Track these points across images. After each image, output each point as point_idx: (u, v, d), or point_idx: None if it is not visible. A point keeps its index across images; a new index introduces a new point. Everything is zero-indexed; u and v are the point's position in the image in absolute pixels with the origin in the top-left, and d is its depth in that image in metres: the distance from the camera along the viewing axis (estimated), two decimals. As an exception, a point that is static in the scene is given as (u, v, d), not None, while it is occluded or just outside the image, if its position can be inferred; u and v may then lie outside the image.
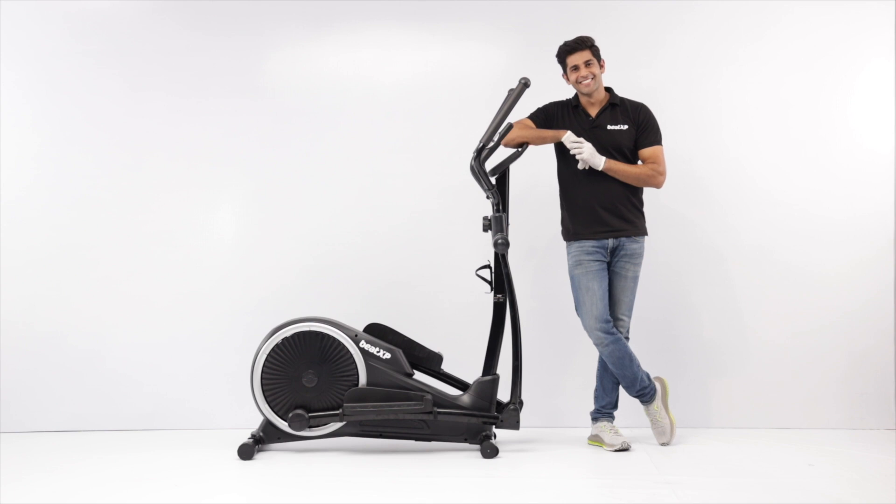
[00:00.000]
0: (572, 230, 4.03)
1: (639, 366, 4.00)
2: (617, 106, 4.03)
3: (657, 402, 4.05)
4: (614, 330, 3.95)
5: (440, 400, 3.90)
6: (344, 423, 3.89)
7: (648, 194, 4.12)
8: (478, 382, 3.93)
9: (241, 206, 4.71)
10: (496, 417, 3.91)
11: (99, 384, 4.58)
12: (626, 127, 4.00)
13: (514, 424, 3.90)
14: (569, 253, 4.06)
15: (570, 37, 3.98)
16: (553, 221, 4.18)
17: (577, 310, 4.04)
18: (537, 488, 3.40)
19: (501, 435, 4.09)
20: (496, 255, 3.87)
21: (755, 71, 4.54)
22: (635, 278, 4.03)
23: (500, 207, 3.87)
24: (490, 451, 3.81)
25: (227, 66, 4.67)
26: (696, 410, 4.47)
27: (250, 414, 4.11)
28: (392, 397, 3.88)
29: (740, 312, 4.53)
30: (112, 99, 4.66)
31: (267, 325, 4.03)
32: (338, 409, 3.89)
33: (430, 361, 4.11)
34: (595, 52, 3.97)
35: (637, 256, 4.02)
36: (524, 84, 3.86)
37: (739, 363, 4.52)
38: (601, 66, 3.99)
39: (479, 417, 3.89)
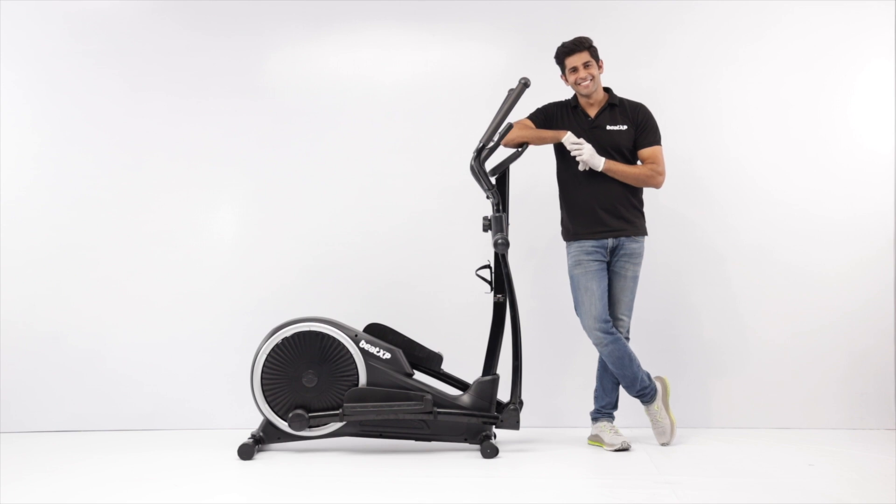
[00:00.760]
0: (572, 230, 4.03)
1: (639, 366, 4.00)
2: (616, 106, 4.03)
3: (658, 402, 4.04)
4: (613, 330, 3.95)
5: (440, 400, 3.90)
6: (344, 423, 3.89)
7: (648, 194, 4.12)
8: (478, 382, 3.93)
9: (241, 206, 4.71)
10: (496, 417, 3.91)
11: (99, 384, 4.58)
12: (625, 127, 4.00)
13: (514, 424, 3.90)
14: (568, 253, 4.06)
15: (570, 37, 3.98)
16: (553, 221, 4.18)
17: (576, 310, 4.04)
18: (537, 488, 3.40)
19: (501, 435, 4.09)
20: (496, 255, 3.87)
21: (755, 71, 4.54)
22: (635, 278, 4.03)
23: (500, 207, 3.87)
24: (490, 451, 3.81)
25: (227, 66, 4.67)
26: (696, 410, 4.47)
27: (250, 414, 4.11)
28: (392, 397, 3.88)
29: (740, 312, 4.53)
30: (112, 99, 4.66)
31: (267, 325, 4.03)
32: (338, 409, 3.89)
33: (430, 361, 4.11)
34: (593, 52, 3.96)
35: (637, 256, 4.02)
36: (524, 84, 3.86)
37: (739, 363, 4.52)
38: (600, 67, 3.99)
39: (479, 417, 3.89)
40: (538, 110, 4.10)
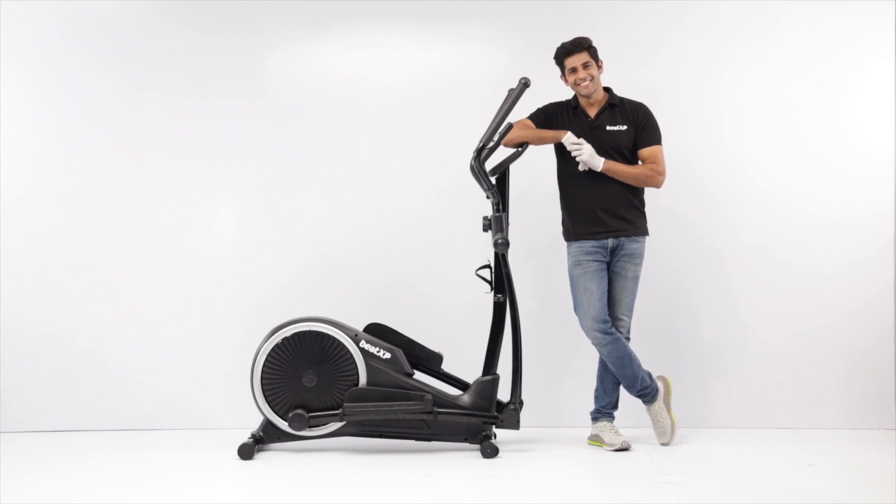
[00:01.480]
0: (572, 230, 4.03)
1: (639, 365, 3.99)
2: (616, 106, 4.03)
3: (659, 402, 4.04)
4: (612, 330, 3.95)
5: (440, 400, 3.90)
6: (344, 422, 3.89)
7: (648, 194, 4.12)
8: (478, 382, 3.93)
9: (241, 206, 4.71)
10: (496, 417, 3.91)
11: (99, 384, 4.58)
12: (625, 127, 4.00)
13: (514, 424, 3.90)
14: (569, 253, 4.06)
15: (570, 37, 3.98)
16: (553, 221, 4.18)
17: (575, 310, 4.04)
18: (537, 488, 3.40)
19: (501, 435, 4.09)
20: (496, 255, 3.87)
21: (755, 71, 4.54)
22: (635, 278, 4.03)
23: (500, 207, 3.87)
24: (490, 451, 3.81)
25: (227, 66, 4.67)
26: (696, 410, 4.47)
27: (250, 414, 4.11)
28: (392, 397, 3.88)
29: (740, 312, 4.53)
30: (112, 99, 4.66)
31: (267, 325, 4.03)
32: (338, 408, 3.89)
33: (430, 361, 4.11)
34: (593, 53, 3.96)
35: (637, 256, 4.02)
36: (524, 84, 3.85)
37: (739, 363, 4.52)
38: (599, 67, 3.99)
39: (479, 417, 3.89)
40: (538, 110, 4.10)
